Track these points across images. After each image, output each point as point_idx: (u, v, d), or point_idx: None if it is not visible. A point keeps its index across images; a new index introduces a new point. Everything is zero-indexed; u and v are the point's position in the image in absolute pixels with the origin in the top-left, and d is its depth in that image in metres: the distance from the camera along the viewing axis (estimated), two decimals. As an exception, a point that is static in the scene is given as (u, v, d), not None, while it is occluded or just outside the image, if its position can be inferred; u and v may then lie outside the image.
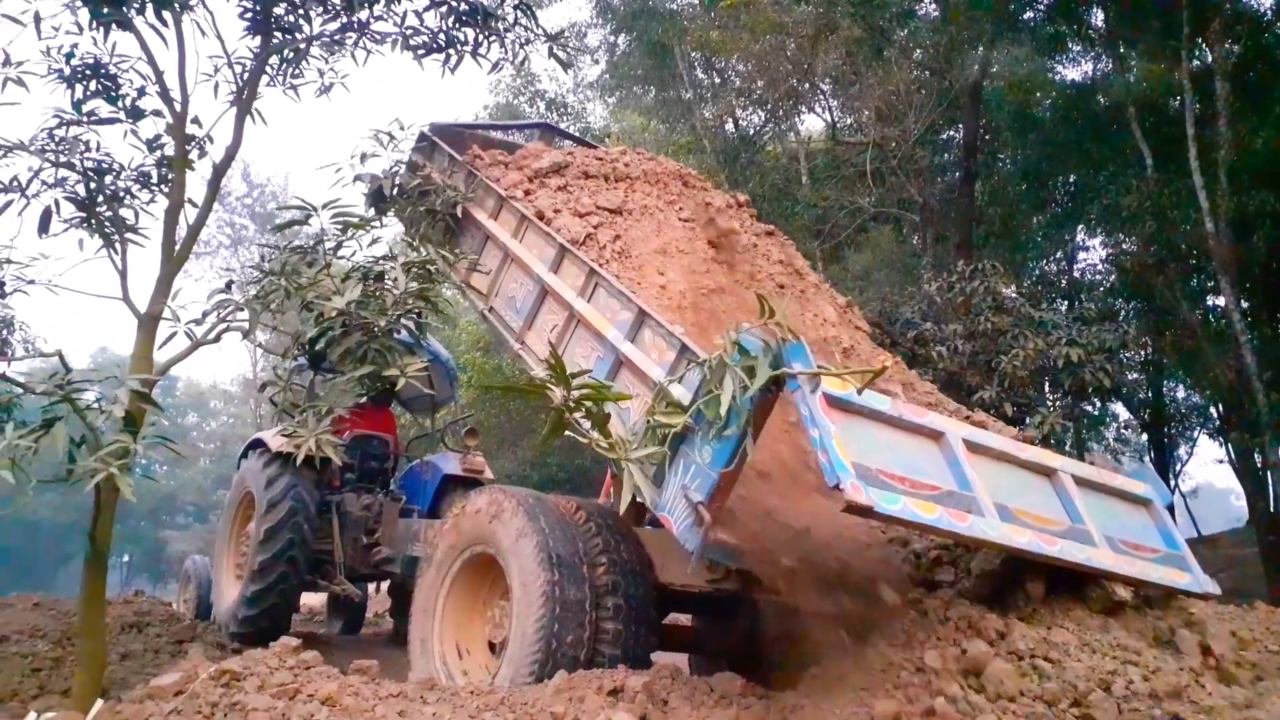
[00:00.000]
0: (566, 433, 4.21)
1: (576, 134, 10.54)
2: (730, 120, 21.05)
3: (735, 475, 3.93)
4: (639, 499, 3.95)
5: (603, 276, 5.50)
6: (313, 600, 11.62)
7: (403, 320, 5.94)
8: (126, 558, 51.16)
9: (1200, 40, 15.04)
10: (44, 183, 6.41)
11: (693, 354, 4.40)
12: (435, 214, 7.06)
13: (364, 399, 7.92)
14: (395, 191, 7.38)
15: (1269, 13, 15.99)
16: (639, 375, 4.80)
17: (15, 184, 6.31)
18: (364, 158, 7.09)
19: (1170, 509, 5.17)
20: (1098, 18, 17.69)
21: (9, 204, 6.29)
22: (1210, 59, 15.06)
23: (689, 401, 4.09)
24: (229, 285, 6.03)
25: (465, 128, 8.29)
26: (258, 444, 8.31)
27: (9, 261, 6.34)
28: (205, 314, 5.85)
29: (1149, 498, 4.93)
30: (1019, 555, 4.17)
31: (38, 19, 6.24)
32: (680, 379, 4.32)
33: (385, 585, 9.84)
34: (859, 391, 3.80)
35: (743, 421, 3.77)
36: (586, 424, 3.98)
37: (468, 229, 7.03)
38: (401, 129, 7.19)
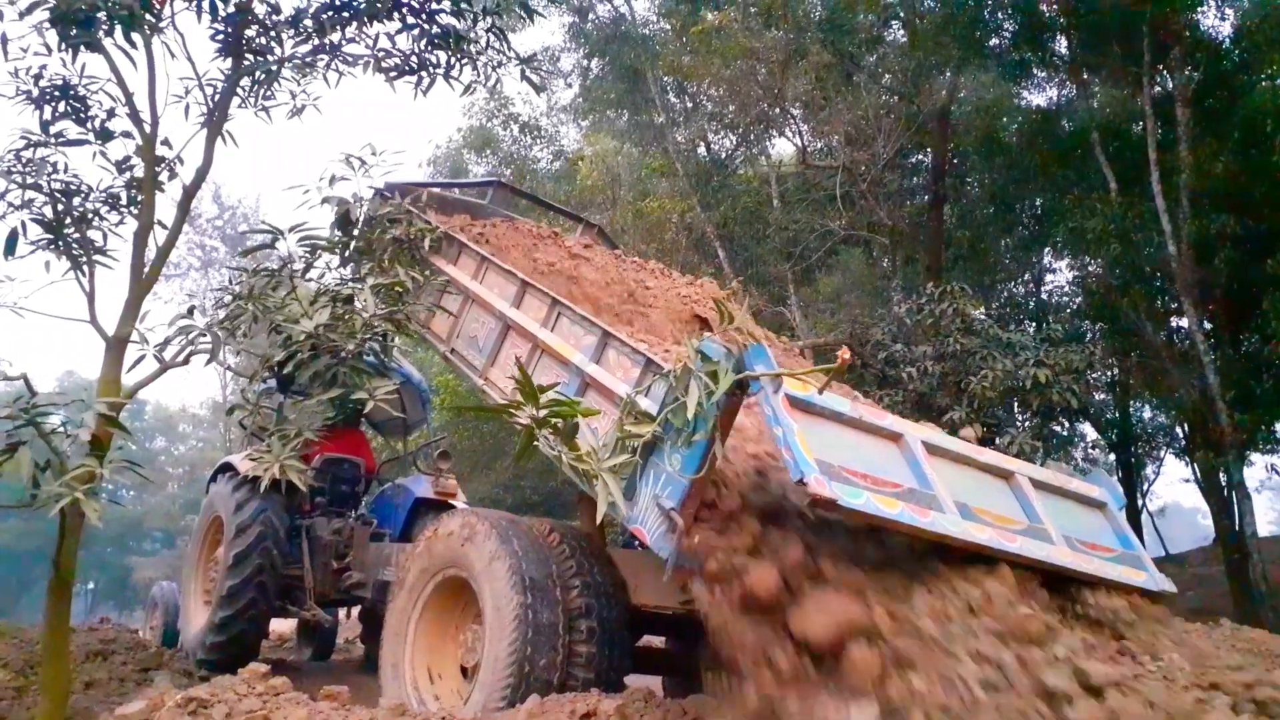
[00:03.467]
0: (540, 454, 4.22)
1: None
2: (702, 144, 21.23)
3: (706, 481, 3.97)
4: (611, 512, 3.96)
5: (565, 305, 5.56)
6: (282, 626, 11.47)
7: (370, 343, 5.92)
8: (92, 585, 50.25)
9: (1161, 67, 15.39)
10: (10, 204, 6.34)
11: (657, 366, 4.45)
12: (401, 242, 7.06)
13: (332, 421, 7.88)
14: (363, 217, 7.37)
15: (1227, 40, 16.37)
16: (606, 394, 4.82)
17: (-19, 205, 6.25)
18: (333, 180, 7.06)
19: (1130, 514, 5.30)
20: (1061, 45, 18.02)
21: (-26, 226, 6.22)
22: (1171, 85, 15.40)
23: (656, 412, 4.14)
24: (191, 310, 5.98)
25: (421, 186, 8.29)
26: (227, 468, 8.23)
27: (-26, 284, 6.28)
28: (168, 339, 5.81)
29: (1103, 500, 5.05)
30: (980, 551, 4.22)
31: (4, 40, 6.19)
32: (646, 391, 4.36)
33: (355, 611, 9.73)
34: (820, 390, 3.89)
35: (710, 426, 3.82)
36: (555, 441, 3.99)
37: (428, 273, 7.11)
38: (374, 154, 7.16)
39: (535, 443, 3.90)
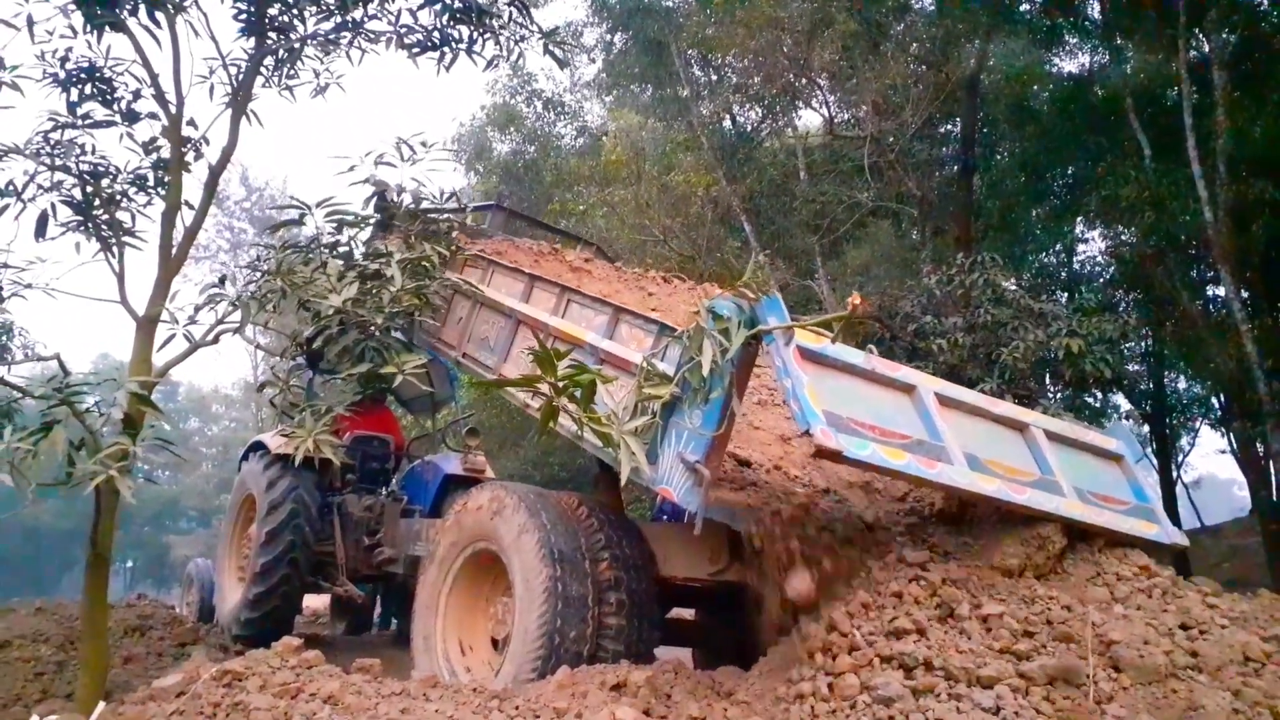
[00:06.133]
0: (563, 429, 4.22)
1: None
2: (727, 117, 21.00)
3: (727, 436, 4.04)
4: (634, 478, 3.98)
5: (574, 291, 5.65)
6: (316, 602, 11.61)
7: (397, 319, 5.94)
8: (130, 563, 51.23)
9: (1197, 30, 15.00)
10: (40, 186, 6.41)
11: (670, 330, 4.49)
12: (430, 228, 7.07)
13: (360, 397, 7.93)
14: (398, 199, 7.37)
15: (1265, 1, 15.95)
16: (622, 366, 4.83)
17: (11, 188, 6.32)
18: (377, 161, 6.98)
19: (1165, 485, 5.25)
20: (1094, 9, 17.66)
21: (5, 208, 6.30)
22: (1207, 49, 15.02)
23: (673, 374, 4.19)
24: (222, 280, 6.02)
25: (424, 211, 8.35)
26: (258, 446, 8.31)
27: (6, 265, 6.34)
28: (198, 308, 5.85)
29: (1120, 453, 5.03)
30: (986, 502, 4.28)
31: (31, 22, 6.24)
32: (662, 356, 4.38)
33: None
34: (833, 338, 3.97)
35: (726, 383, 3.90)
36: (576, 412, 4.00)
37: (455, 248, 7.23)
38: (425, 146, 7.09)
39: (557, 404, 3.90)
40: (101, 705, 4.43)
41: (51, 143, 6.48)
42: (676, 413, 4.17)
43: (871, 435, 3.89)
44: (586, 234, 19.26)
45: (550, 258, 8.14)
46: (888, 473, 4.06)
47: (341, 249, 6.46)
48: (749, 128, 21.36)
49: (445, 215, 7.70)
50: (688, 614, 6.59)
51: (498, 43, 7.47)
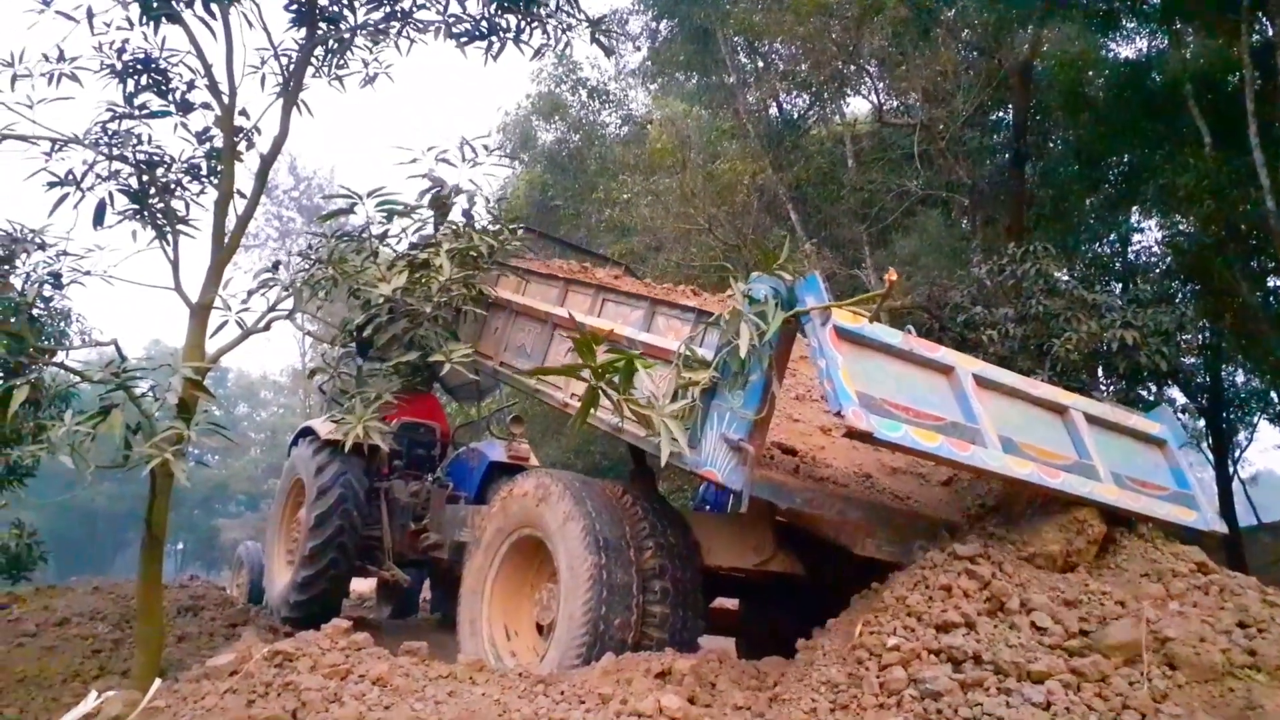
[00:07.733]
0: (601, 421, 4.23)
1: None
2: (774, 104, 20.83)
3: (768, 418, 4.04)
4: (675, 462, 4.00)
5: (609, 289, 5.72)
6: (363, 586, 11.78)
7: (445, 309, 5.98)
8: (181, 545, 52.38)
9: (1260, 14, 14.60)
10: (98, 175, 6.56)
11: (707, 315, 4.48)
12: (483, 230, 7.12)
13: (410, 385, 8.00)
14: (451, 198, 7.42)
15: (1333, -17, 15.44)
16: (661, 356, 4.82)
17: (71, 177, 6.45)
18: (438, 158, 7.02)
19: (1221, 481, 5.13)
20: (1152, -8, 17.23)
21: (65, 196, 6.44)
22: (1271, 32, 14.61)
23: (712, 359, 4.20)
24: (275, 265, 6.12)
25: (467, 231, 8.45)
26: (307, 432, 8.43)
27: (66, 253, 6.50)
28: (251, 293, 5.95)
29: (1163, 438, 4.93)
30: (1019, 486, 4.25)
31: (90, 15, 6.37)
32: (700, 341, 4.39)
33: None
34: (871, 318, 3.94)
35: (765, 366, 3.90)
36: (617, 399, 4.00)
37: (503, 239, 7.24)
38: (488, 150, 7.15)
39: (596, 387, 3.90)
40: (158, 682, 4.52)
41: (109, 133, 6.62)
42: (717, 396, 4.17)
43: (904, 417, 3.86)
44: (631, 223, 19.37)
45: (580, 276, 8.21)
46: (920, 455, 4.03)
47: (391, 238, 6.52)
48: (796, 115, 21.16)
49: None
50: (731, 604, 6.58)
51: (545, 31, 7.48)
